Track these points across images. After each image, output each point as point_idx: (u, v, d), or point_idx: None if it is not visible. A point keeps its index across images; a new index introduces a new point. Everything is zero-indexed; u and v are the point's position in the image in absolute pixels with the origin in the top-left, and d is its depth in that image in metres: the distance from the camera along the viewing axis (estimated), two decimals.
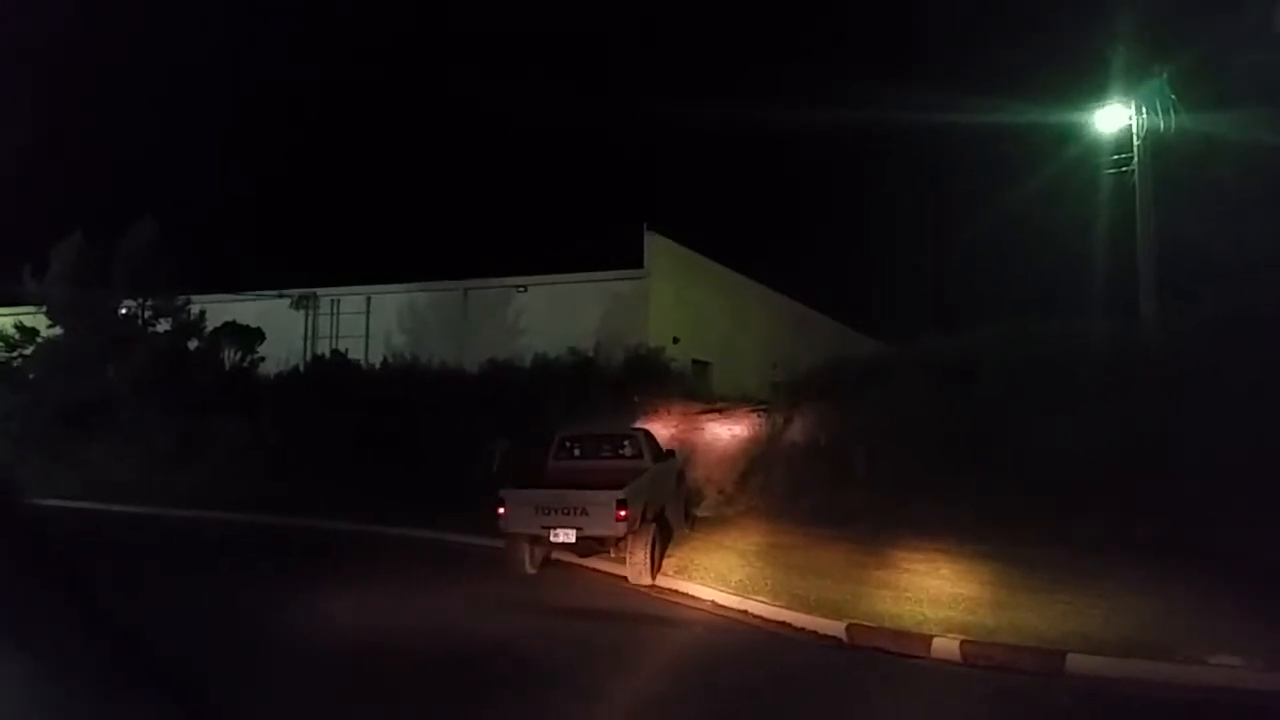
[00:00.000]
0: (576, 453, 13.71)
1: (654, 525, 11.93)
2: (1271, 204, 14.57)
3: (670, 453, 15.04)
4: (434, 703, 6.94)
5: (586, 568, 12.48)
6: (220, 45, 60.48)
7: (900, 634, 8.41)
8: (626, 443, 13.74)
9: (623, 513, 10.90)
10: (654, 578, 11.39)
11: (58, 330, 26.04)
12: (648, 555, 11.37)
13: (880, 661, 8.02)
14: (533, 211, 50.29)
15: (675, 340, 25.83)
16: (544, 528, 11.42)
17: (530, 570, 11.99)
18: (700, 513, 15.66)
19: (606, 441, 13.86)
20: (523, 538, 11.81)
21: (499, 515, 11.63)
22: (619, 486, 11.24)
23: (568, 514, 11.28)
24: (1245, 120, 15.27)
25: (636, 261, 27.07)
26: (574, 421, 16.51)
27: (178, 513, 18.55)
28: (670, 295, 27.38)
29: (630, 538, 11.24)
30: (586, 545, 11.64)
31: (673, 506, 13.81)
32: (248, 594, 10.95)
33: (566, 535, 11.28)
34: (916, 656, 7.98)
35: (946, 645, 7.95)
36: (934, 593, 9.70)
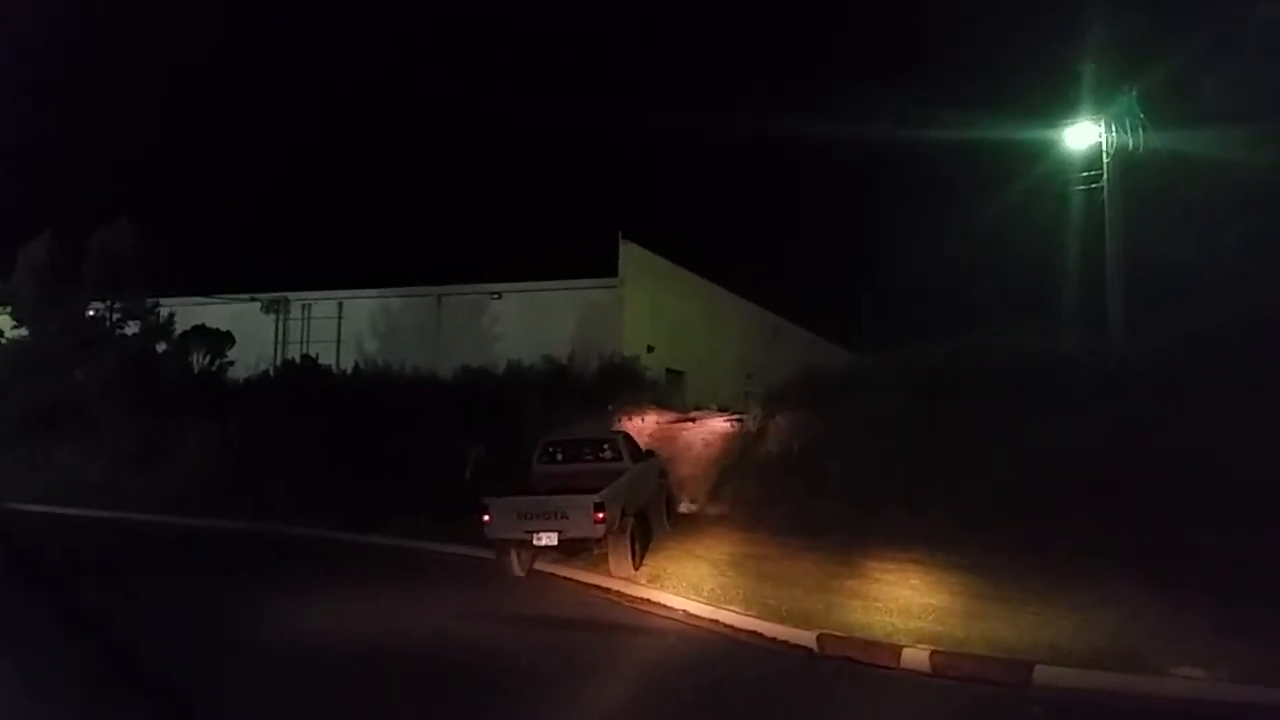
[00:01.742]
0: (559, 457, 14.13)
1: (633, 522, 12.33)
2: (1239, 221, 14.80)
3: (649, 453, 15.40)
4: (415, 710, 6.94)
5: (560, 576, 12.47)
6: (194, 48, 60.02)
7: (870, 644, 8.42)
8: (606, 446, 14.17)
9: (600, 515, 11.32)
10: (636, 569, 11.96)
11: (23, 331, 25.67)
12: (628, 552, 11.91)
13: (850, 671, 8.03)
14: (508, 218, 50.14)
15: (649, 349, 25.86)
16: (527, 532, 11.79)
17: (519, 573, 12.39)
18: (680, 510, 15.83)
19: (587, 445, 14.32)
20: (509, 543, 12.14)
21: (484, 522, 11.99)
22: (598, 489, 11.65)
23: (548, 518, 11.69)
24: (1213, 138, 15.52)
25: (611, 270, 27.11)
26: (548, 429, 16.58)
27: (147, 517, 18.32)
28: (645, 304, 27.41)
29: (610, 537, 11.61)
30: (569, 546, 11.95)
31: (654, 505, 14.27)
32: (223, 601, 10.87)
33: (549, 538, 11.67)
34: (886, 666, 7.99)
35: (916, 655, 7.97)
36: (905, 603, 9.73)
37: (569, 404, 19.89)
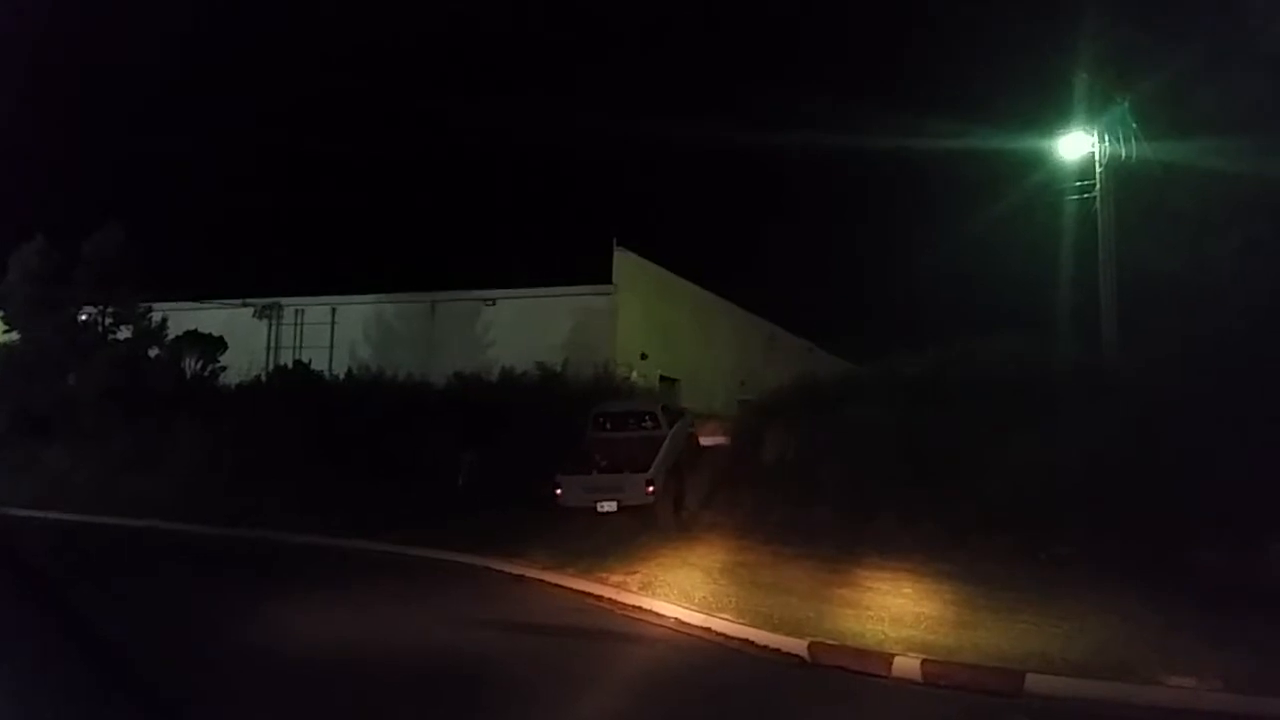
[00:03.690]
0: (608, 426, 16.80)
1: (672, 480, 15.24)
2: (1230, 230, 14.85)
3: (682, 411, 18.18)
4: (405, 716, 6.91)
5: (550, 583, 12.45)
6: (187, 52, 59.96)
7: (862, 652, 8.39)
8: (648, 417, 16.78)
9: (650, 488, 14.55)
10: (678, 519, 14.92)
11: (14, 336, 25.59)
12: (670, 509, 14.90)
13: (841, 680, 8.00)
14: (502, 225, 50.09)
15: (643, 356, 25.88)
16: (592, 500, 14.86)
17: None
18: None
19: (631, 416, 17.01)
20: (577, 509, 15.00)
21: (556, 495, 15.01)
22: (647, 457, 14.91)
23: (608, 490, 14.87)
24: (1205, 149, 15.58)
25: (605, 277, 27.16)
26: (540, 435, 17.60)
27: (139, 523, 18.22)
28: (639, 311, 27.44)
29: (657, 501, 14.58)
30: (625, 509, 14.71)
31: (686, 454, 16.77)
32: (212, 608, 10.83)
33: (610, 505, 14.78)
34: (878, 675, 7.96)
35: (908, 664, 7.95)
36: (897, 611, 9.71)
37: (562, 411, 19.85)
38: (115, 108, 59.13)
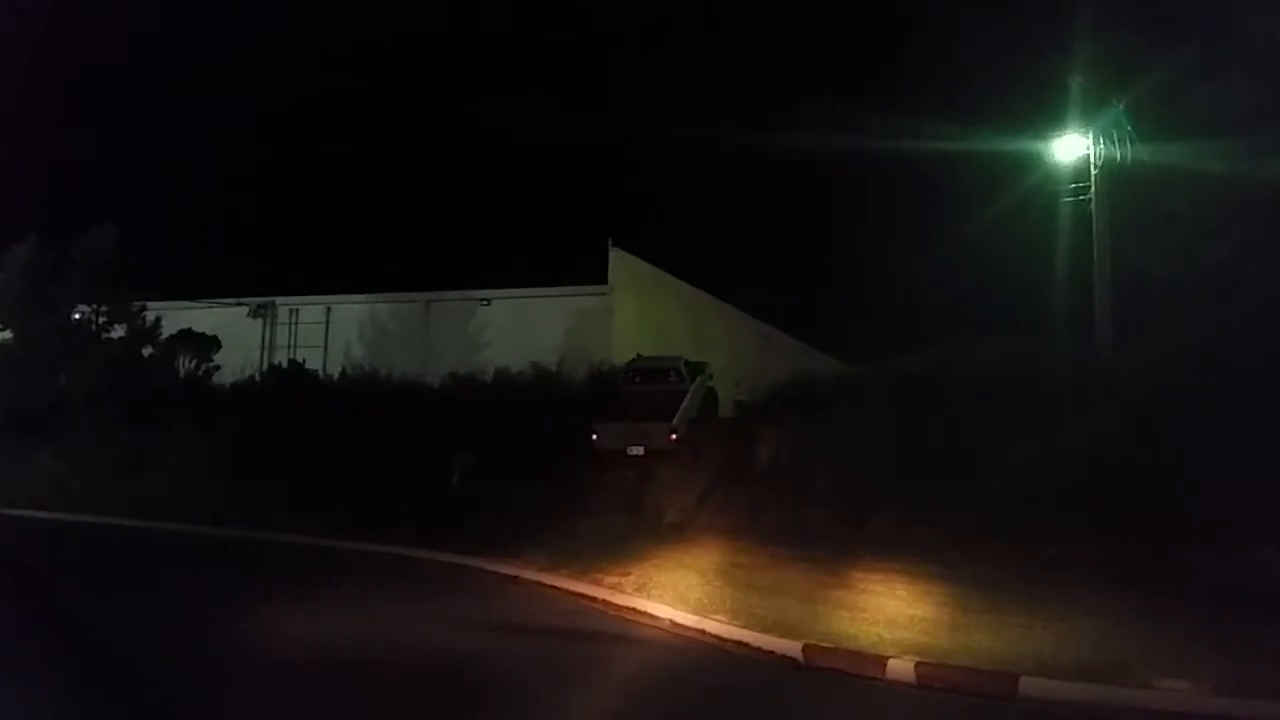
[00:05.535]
0: (638, 381, 19.06)
1: (693, 430, 17.20)
2: (1224, 233, 14.86)
3: (702, 367, 19.53)
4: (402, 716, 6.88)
5: (546, 584, 12.44)
6: (187, 51, 59.81)
7: (856, 655, 8.38)
8: (672, 372, 18.84)
9: (673, 436, 16.83)
10: (695, 464, 16.50)
11: (7, 334, 25.53)
12: (692, 456, 16.66)
13: (835, 682, 8.00)
14: (497, 224, 49.98)
15: (638, 356, 25.77)
16: (623, 445, 17.16)
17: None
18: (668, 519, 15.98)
19: (658, 372, 19.08)
20: (610, 452, 17.26)
21: (593, 440, 17.31)
22: (671, 408, 17.24)
23: (637, 437, 17.14)
24: (1200, 151, 15.59)
25: (601, 277, 27.10)
26: (536, 435, 17.85)
27: (132, 523, 18.17)
28: (634, 311, 27.37)
29: (679, 448, 16.77)
30: (651, 453, 16.91)
31: (706, 405, 18.90)
32: (211, 607, 10.83)
33: (638, 450, 17.04)
34: (871, 678, 7.95)
35: (901, 666, 7.94)
36: (891, 613, 9.70)
37: (558, 411, 19.81)
38: (114, 108, 58.88)
